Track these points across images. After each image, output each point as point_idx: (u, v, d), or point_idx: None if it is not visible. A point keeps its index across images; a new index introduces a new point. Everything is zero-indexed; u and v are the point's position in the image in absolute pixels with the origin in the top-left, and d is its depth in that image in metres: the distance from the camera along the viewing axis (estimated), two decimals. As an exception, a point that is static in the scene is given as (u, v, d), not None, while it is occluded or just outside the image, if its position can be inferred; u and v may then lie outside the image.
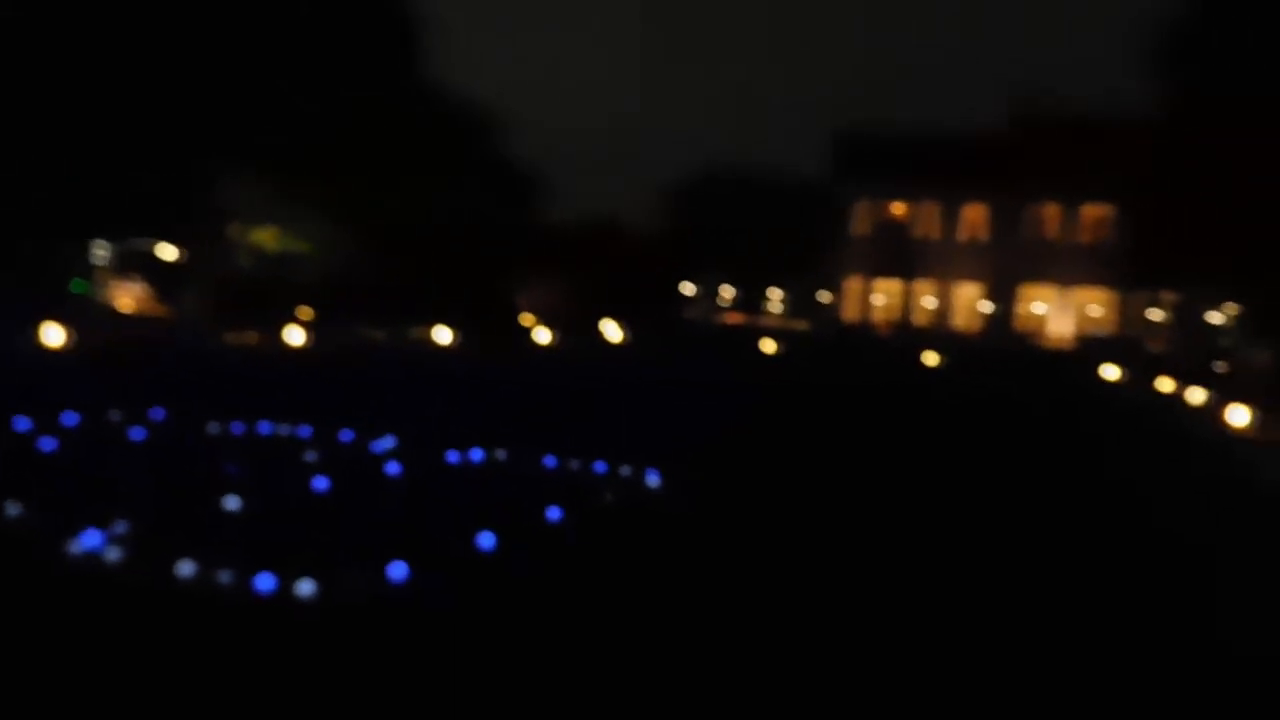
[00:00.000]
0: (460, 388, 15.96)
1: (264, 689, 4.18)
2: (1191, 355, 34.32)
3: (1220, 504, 10.02)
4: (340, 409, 11.13)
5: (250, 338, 23.57)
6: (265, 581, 5.17)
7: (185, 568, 5.31)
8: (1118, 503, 9.62)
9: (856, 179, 49.56)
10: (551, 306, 40.48)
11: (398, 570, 5.45)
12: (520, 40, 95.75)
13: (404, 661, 4.50)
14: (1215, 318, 36.91)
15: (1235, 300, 31.27)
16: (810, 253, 50.61)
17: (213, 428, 9.46)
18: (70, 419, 9.26)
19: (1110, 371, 30.85)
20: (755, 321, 49.54)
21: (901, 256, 49.25)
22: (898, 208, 50.35)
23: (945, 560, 6.83)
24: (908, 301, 50.22)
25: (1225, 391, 22.55)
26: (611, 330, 35.41)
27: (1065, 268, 47.06)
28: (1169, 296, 41.73)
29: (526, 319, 37.67)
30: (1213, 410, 20.79)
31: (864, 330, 47.34)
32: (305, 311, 27.52)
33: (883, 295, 50.58)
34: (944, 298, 49.94)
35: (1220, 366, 31.67)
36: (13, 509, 6.22)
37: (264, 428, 9.59)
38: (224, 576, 5.24)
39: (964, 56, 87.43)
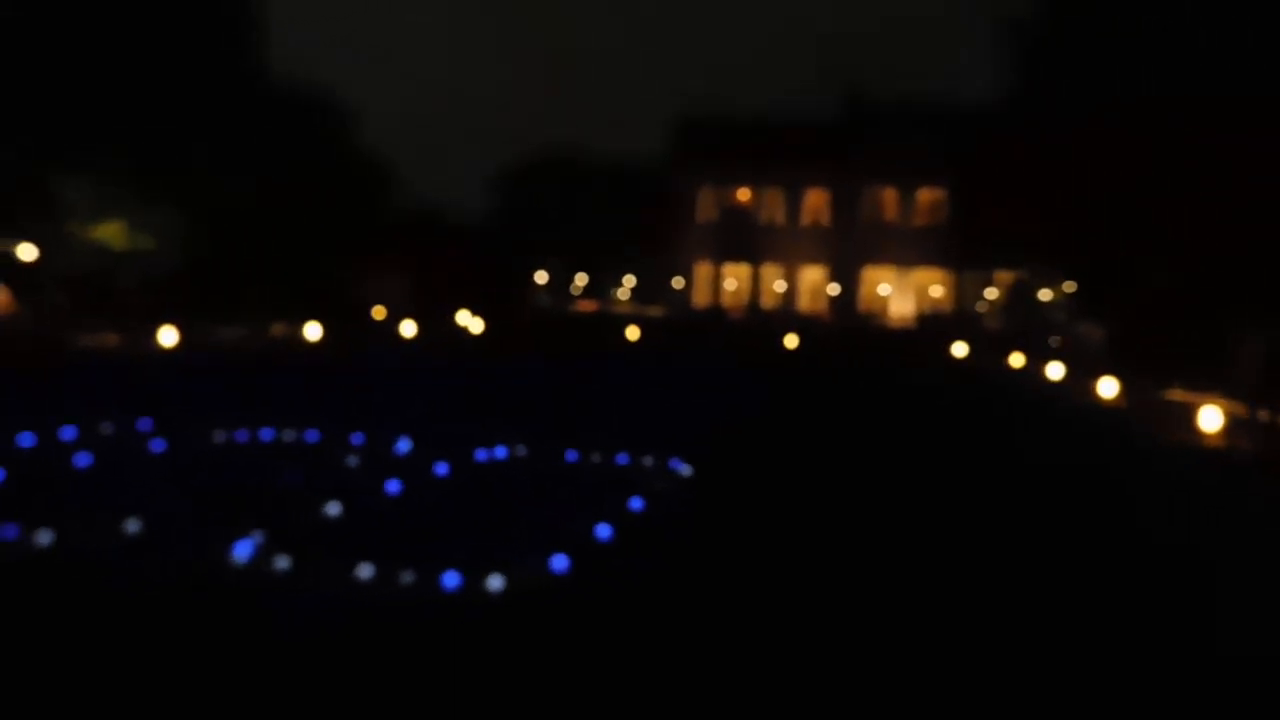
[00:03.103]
0: (384, 382, 15.62)
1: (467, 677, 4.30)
2: (1026, 331, 36.55)
3: (1126, 468, 10.84)
4: (299, 410, 10.77)
5: (109, 339, 22.30)
6: (451, 579, 5.27)
7: (365, 570, 5.33)
8: (1030, 478, 10.15)
9: (699, 165, 50.40)
10: (401, 298, 39.68)
11: (560, 562, 5.64)
12: (348, 23, 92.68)
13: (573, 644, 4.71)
14: (1045, 295, 39.35)
15: (1070, 278, 33.45)
16: (657, 238, 51.19)
17: (219, 437, 9.07)
18: (69, 433, 8.75)
19: (959, 349, 32.45)
20: (608, 308, 49.77)
21: (748, 241, 50.40)
22: (742, 193, 51.49)
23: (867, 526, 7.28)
24: (756, 285, 51.50)
25: (1070, 365, 24.18)
26: (472, 322, 35.08)
27: (904, 249, 49.22)
28: (1004, 275, 44.21)
29: (378, 312, 36.89)
30: (1075, 383, 22.22)
31: (717, 314, 48.31)
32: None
33: (733, 280, 51.71)
34: (790, 281, 51.45)
35: (1055, 341, 33.83)
36: (133, 525, 6.06)
37: (267, 434, 9.27)
38: (406, 576, 5.29)
39: (802, 42, 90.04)
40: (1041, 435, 14.26)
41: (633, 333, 34.05)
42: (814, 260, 50.46)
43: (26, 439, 8.49)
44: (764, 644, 4.85)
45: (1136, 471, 11.10)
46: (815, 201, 50.58)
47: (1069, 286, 34.49)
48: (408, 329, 30.74)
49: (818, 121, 48.09)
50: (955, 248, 43.01)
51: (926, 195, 48.32)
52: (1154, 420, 16.53)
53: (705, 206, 51.23)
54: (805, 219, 50.76)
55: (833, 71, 79.26)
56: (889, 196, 49.61)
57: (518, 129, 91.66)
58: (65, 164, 26.30)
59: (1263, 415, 15.37)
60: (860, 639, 4.97)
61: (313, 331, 26.24)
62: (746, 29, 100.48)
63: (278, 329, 28.47)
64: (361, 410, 11.63)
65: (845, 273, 49.88)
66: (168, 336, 21.18)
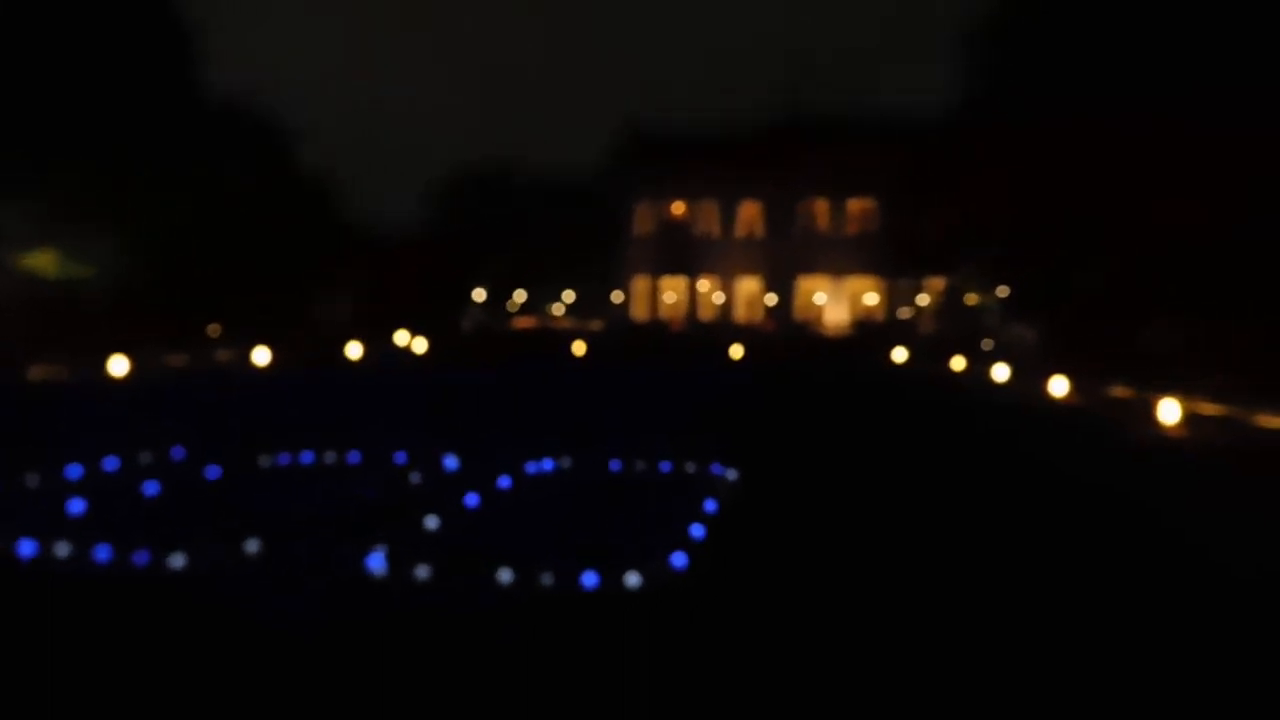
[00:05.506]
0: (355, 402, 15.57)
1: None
2: (959, 335, 37.61)
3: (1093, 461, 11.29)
4: (304, 432, 10.82)
5: (58, 370, 21.76)
6: (590, 578, 5.55)
7: (504, 574, 5.59)
8: (1020, 464, 10.58)
9: (636, 180, 50.91)
10: (342, 319, 39.29)
11: (679, 559, 5.98)
12: (283, 40, 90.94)
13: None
14: (973, 299, 40.50)
15: (1002, 282, 34.55)
16: (594, 253, 51.51)
17: (263, 461, 9.09)
18: (112, 463, 8.70)
19: (898, 354, 33.16)
20: (547, 324, 49.89)
21: (684, 254, 51.07)
22: (678, 207, 52.13)
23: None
24: (693, 298, 52.14)
25: (1011, 366, 24.99)
26: (415, 341, 34.91)
27: (837, 258, 50.31)
28: (935, 282, 45.37)
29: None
30: (1025, 383, 22.90)
31: (659, 327, 48.73)
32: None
33: (671, 293, 52.28)
34: (727, 292, 52.21)
35: (986, 344, 34.87)
36: (252, 544, 6.16)
37: (307, 457, 9.33)
38: (546, 578, 5.57)
39: (744, 55, 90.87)
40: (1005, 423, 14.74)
41: (579, 348, 34.19)
42: (750, 271, 51.28)
43: (74, 470, 8.42)
44: (880, 617, 5.20)
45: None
46: (749, 213, 51.42)
47: (1001, 291, 35.61)
48: (354, 351, 30.42)
49: (751, 134, 48.99)
50: (888, 256, 44.08)
51: (858, 205, 49.45)
52: (1113, 416, 17.09)
53: (642, 221, 51.74)
54: (740, 231, 51.58)
55: (773, 84, 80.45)
56: (821, 207, 50.68)
57: (454, 145, 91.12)
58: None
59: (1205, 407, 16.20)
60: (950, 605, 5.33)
61: (260, 356, 25.86)
62: (688, 42, 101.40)
63: (224, 355, 28.03)
64: (369, 430, 11.65)
65: (781, 283, 50.78)
66: (118, 366, 20.69)
